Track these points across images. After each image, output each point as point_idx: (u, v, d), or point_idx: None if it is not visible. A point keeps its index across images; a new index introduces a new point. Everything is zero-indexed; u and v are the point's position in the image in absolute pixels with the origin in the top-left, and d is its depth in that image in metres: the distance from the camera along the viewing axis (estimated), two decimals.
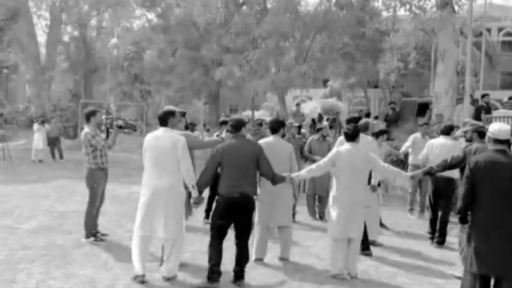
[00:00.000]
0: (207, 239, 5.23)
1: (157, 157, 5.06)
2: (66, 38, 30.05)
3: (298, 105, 20.27)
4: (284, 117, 14.76)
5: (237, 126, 5.25)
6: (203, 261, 5.29)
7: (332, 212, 5.52)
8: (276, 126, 6.14)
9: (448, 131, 7.52)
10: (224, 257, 5.24)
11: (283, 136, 6.54)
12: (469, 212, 4.39)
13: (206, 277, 4.95)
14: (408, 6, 14.85)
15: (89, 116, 6.64)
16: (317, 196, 8.90)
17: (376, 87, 31.47)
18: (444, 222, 7.16)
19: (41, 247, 6.24)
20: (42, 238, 6.69)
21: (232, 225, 5.16)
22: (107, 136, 15.57)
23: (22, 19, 24.18)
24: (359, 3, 17.43)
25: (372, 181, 6.41)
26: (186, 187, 5.14)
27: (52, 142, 17.17)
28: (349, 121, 6.72)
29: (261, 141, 6.20)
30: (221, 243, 5.05)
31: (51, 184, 11.71)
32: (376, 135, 7.35)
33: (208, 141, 6.27)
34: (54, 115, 23.41)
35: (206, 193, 6.36)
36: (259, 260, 5.95)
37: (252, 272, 5.49)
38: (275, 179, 5.37)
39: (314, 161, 7.35)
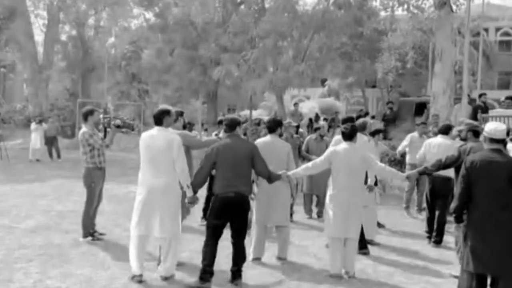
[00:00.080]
0: (204, 238, 5.22)
1: (152, 157, 5.06)
2: (63, 37, 29.98)
3: (296, 104, 20.27)
4: (282, 117, 14.76)
5: (232, 126, 5.25)
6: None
7: (329, 211, 5.53)
8: (274, 126, 6.15)
9: (446, 130, 7.53)
10: (221, 257, 5.25)
11: (280, 135, 6.54)
12: (464, 212, 4.40)
13: (199, 277, 4.95)
14: (406, 6, 14.87)
15: (86, 116, 6.64)
16: (315, 196, 8.92)
17: (374, 86, 31.49)
18: (442, 222, 7.18)
19: (38, 246, 6.24)
20: (40, 237, 6.69)
21: (228, 224, 5.15)
22: (105, 136, 15.56)
23: (20, 18, 24.11)
24: (357, 2, 17.42)
25: (369, 181, 6.42)
26: (182, 187, 5.14)
27: (50, 142, 17.14)
28: (345, 120, 6.73)
29: (259, 141, 6.21)
30: (216, 243, 5.05)
31: (49, 183, 11.69)
32: (372, 134, 7.36)
33: (206, 140, 6.26)
34: (52, 114, 23.36)
35: (204, 192, 6.37)
36: (257, 259, 5.96)
37: (250, 271, 5.50)
38: (271, 178, 5.37)
39: (311, 160, 7.36)
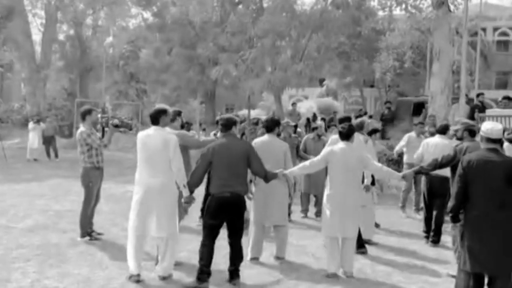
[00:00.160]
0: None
1: (149, 156, 5.06)
2: (61, 37, 29.95)
3: (294, 104, 20.28)
4: (280, 116, 14.76)
5: (228, 125, 5.24)
6: None
7: (326, 211, 5.53)
8: (271, 125, 6.15)
9: (443, 130, 7.54)
10: (219, 257, 5.24)
11: (278, 135, 6.53)
12: (461, 211, 4.41)
13: (196, 277, 4.94)
14: (404, 6, 14.88)
15: (84, 115, 6.63)
16: (313, 196, 8.92)
17: (372, 86, 31.52)
18: (440, 221, 7.18)
19: (36, 246, 6.23)
20: (37, 237, 6.68)
21: (225, 224, 5.15)
22: (103, 135, 15.55)
23: (17, 18, 24.07)
24: (355, 2, 17.42)
25: (365, 180, 6.41)
26: (179, 187, 5.13)
27: (47, 141, 17.12)
28: (342, 120, 6.73)
29: (256, 140, 6.22)
30: (213, 243, 5.04)
31: (46, 183, 11.68)
32: (369, 133, 7.38)
33: (204, 140, 6.25)
34: (49, 114, 23.36)
35: (202, 192, 6.36)
36: (254, 259, 5.96)
37: (248, 271, 5.50)
38: (268, 177, 5.37)
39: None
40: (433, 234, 7.19)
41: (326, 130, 9.35)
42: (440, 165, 5.47)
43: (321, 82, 33.29)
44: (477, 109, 13.29)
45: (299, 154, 8.43)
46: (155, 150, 5.03)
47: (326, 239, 5.57)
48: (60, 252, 6.03)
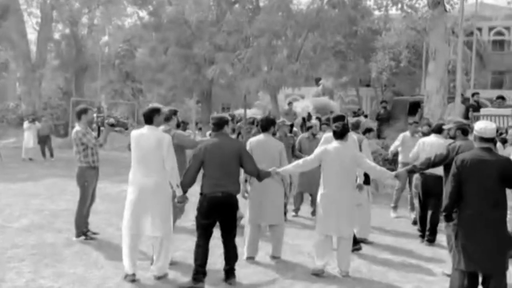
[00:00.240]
0: None
1: (143, 156, 5.05)
2: (57, 36, 29.87)
3: (290, 103, 20.26)
4: (276, 116, 14.75)
5: (220, 124, 5.22)
6: None
7: (320, 209, 5.54)
8: (267, 124, 6.15)
9: (439, 129, 7.55)
10: (215, 256, 5.24)
11: (274, 134, 6.53)
12: (455, 210, 4.43)
13: (191, 277, 4.94)
14: (400, 5, 14.91)
15: (80, 114, 6.61)
16: (307, 195, 8.91)
17: (368, 85, 31.59)
18: (435, 221, 7.19)
19: (31, 245, 6.21)
20: (33, 236, 6.66)
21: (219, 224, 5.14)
22: (99, 135, 15.48)
23: (12, 17, 23.96)
24: (351, 2, 17.42)
25: (358, 180, 6.39)
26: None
27: (43, 141, 17.05)
28: (336, 119, 6.73)
29: (252, 139, 6.22)
30: (207, 243, 5.04)
31: (42, 182, 11.64)
32: (363, 133, 7.39)
33: (199, 140, 6.25)
34: (45, 113, 23.28)
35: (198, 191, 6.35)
36: (250, 258, 5.96)
37: (243, 270, 5.50)
38: (261, 175, 5.36)
39: None
40: (429, 233, 7.20)
41: (320, 129, 9.32)
42: (433, 164, 5.48)
43: (317, 81, 33.32)
44: (472, 108, 13.33)
45: (295, 153, 8.42)
46: (148, 150, 5.02)
47: (320, 236, 5.56)
48: (55, 251, 6.01)
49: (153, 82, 23.11)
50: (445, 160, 5.37)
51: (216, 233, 5.15)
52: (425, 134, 8.47)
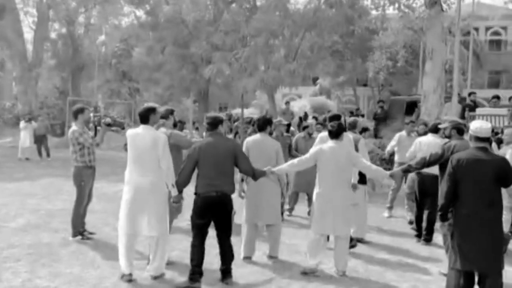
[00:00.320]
0: None
1: (138, 155, 5.03)
2: (53, 35, 29.79)
3: (287, 103, 20.27)
4: (273, 115, 14.76)
5: (214, 124, 5.20)
6: None
7: (316, 208, 5.53)
8: (263, 124, 6.14)
9: (436, 129, 7.55)
10: (211, 256, 5.23)
11: (270, 133, 6.52)
12: (450, 210, 4.43)
13: (188, 277, 4.93)
14: (397, 5, 14.92)
15: (76, 114, 6.59)
16: (300, 195, 8.90)
17: (365, 85, 31.62)
18: (432, 220, 7.20)
19: (27, 245, 6.19)
20: (29, 236, 6.64)
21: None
22: (95, 134, 15.44)
23: (9, 16, 23.89)
24: (348, 1, 17.43)
25: (352, 179, 6.37)
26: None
27: (39, 140, 17.02)
28: (332, 118, 6.72)
29: (248, 139, 6.21)
30: (203, 243, 5.02)
31: (38, 182, 11.61)
32: (359, 132, 7.40)
33: (196, 141, 6.23)
34: (41, 112, 23.22)
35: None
36: (247, 258, 5.95)
37: (240, 270, 5.49)
38: (256, 175, 5.35)
39: None
40: (426, 233, 7.21)
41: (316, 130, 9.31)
42: (428, 163, 5.48)
43: (314, 81, 33.36)
44: (468, 108, 13.36)
45: (292, 153, 8.41)
46: (144, 149, 5.01)
47: (314, 235, 5.55)
48: (51, 251, 5.99)
49: (150, 82, 23.08)
50: (440, 160, 5.37)
51: (212, 233, 5.14)
52: (421, 134, 8.46)
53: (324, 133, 6.36)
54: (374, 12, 18.48)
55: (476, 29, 32.37)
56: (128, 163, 5.13)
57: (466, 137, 4.92)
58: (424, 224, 7.29)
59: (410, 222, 8.25)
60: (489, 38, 36.13)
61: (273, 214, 5.99)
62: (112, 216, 7.66)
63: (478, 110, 12.92)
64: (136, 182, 5.01)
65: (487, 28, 35.61)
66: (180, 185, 5.08)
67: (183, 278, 5.06)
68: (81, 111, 6.60)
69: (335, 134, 5.57)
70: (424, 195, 7.24)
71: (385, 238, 7.49)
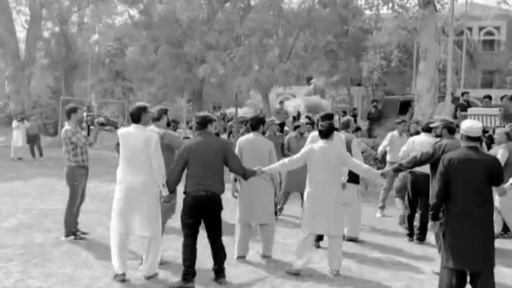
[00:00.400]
0: None
1: (130, 155, 5.01)
2: (46, 34, 29.65)
3: (281, 102, 20.27)
4: (266, 114, 14.75)
5: (203, 123, 5.17)
6: None
7: (306, 208, 5.53)
8: (256, 123, 6.13)
9: (429, 128, 7.56)
10: (205, 256, 5.21)
11: (263, 133, 6.51)
12: (442, 209, 4.45)
13: (181, 278, 4.91)
14: (390, 5, 14.96)
15: (69, 113, 6.56)
16: (296, 194, 8.89)
17: (359, 85, 31.70)
18: (425, 219, 7.20)
19: (20, 245, 6.15)
20: (21, 236, 6.60)
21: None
22: (88, 134, 15.37)
23: (1, 14, 23.77)
24: (342, 1, 17.46)
25: (342, 178, 6.36)
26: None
27: (32, 140, 16.92)
28: (324, 117, 6.72)
29: (241, 138, 6.21)
30: (195, 243, 5.00)
31: (31, 182, 11.55)
32: (352, 132, 7.41)
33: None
34: (34, 112, 23.11)
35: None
36: (241, 257, 5.94)
37: (234, 269, 5.48)
38: (246, 174, 5.34)
39: None
40: (419, 232, 7.22)
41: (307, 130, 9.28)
42: (419, 162, 5.50)
43: (308, 80, 33.39)
44: (460, 107, 13.41)
45: (284, 153, 8.39)
46: (136, 149, 4.98)
47: (303, 235, 5.54)
48: (44, 251, 5.96)
49: (143, 81, 23.04)
50: (431, 159, 5.39)
51: (205, 232, 5.12)
52: (412, 133, 8.46)
53: (316, 133, 6.36)
54: (368, 12, 18.54)
55: (470, 29, 32.52)
56: (120, 162, 5.11)
57: (458, 136, 4.93)
58: (417, 224, 7.30)
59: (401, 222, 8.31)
60: (482, 38, 36.31)
61: (266, 214, 5.98)
62: (105, 216, 7.62)
63: (470, 110, 12.98)
64: (128, 182, 4.99)
65: (481, 28, 35.79)
66: (171, 185, 5.06)
67: (176, 278, 5.04)
68: (74, 110, 6.57)
69: (325, 134, 5.57)
70: (417, 194, 7.25)
71: (379, 237, 7.50)
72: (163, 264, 5.47)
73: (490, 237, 4.35)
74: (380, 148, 9.61)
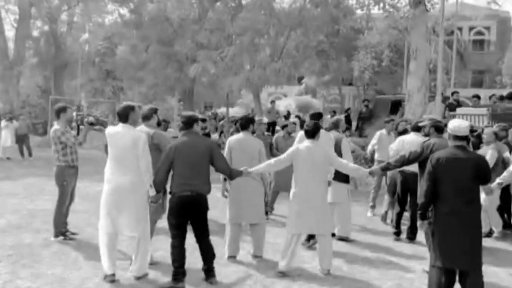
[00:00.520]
0: None
1: (118, 154, 4.97)
2: (35, 33, 29.40)
3: (273, 102, 20.29)
4: (258, 114, 14.74)
5: (189, 123, 5.14)
6: None
7: (292, 208, 5.52)
8: (246, 123, 6.12)
9: (418, 128, 7.58)
10: (195, 256, 5.18)
11: (253, 132, 6.49)
12: (430, 208, 4.46)
13: (171, 278, 4.89)
14: (381, 5, 15.02)
15: (59, 113, 6.50)
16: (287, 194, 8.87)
17: (350, 84, 31.80)
18: (415, 218, 7.22)
19: (8, 246, 6.10)
20: (10, 237, 6.54)
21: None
22: (78, 133, 15.26)
23: None
24: (333, 1, 17.51)
25: (328, 176, 6.34)
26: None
27: (21, 139, 16.79)
28: (313, 116, 6.71)
29: (231, 138, 6.19)
30: (183, 243, 4.97)
31: (20, 182, 11.45)
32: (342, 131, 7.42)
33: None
34: (23, 111, 22.93)
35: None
36: (232, 257, 5.92)
37: (225, 269, 5.47)
38: (232, 174, 5.31)
39: None
40: (409, 231, 7.24)
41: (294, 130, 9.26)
42: (407, 161, 5.52)
43: (300, 80, 33.43)
44: (449, 107, 13.48)
45: (273, 152, 8.36)
46: (124, 148, 4.94)
47: (287, 235, 5.52)
48: (33, 252, 5.90)
49: (134, 80, 22.93)
50: (419, 157, 5.41)
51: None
52: (400, 132, 8.47)
53: (303, 132, 6.35)
54: (359, 12, 18.60)
55: (460, 29, 32.73)
56: (108, 161, 5.06)
57: (446, 135, 4.95)
58: (408, 223, 7.32)
59: (383, 219, 8.38)
60: (473, 38, 36.59)
61: (256, 214, 5.96)
62: (94, 216, 7.54)
63: (458, 110, 13.05)
64: (116, 181, 4.95)
65: (471, 28, 36.07)
66: (158, 185, 5.02)
67: (166, 278, 5.01)
68: (63, 110, 6.52)
69: (311, 133, 5.56)
70: (406, 193, 7.27)
71: (369, 236, 7.51)
72: (153, 264, 5.44)
73: (478, 235, 4.38)
74: (369, 148, 9.64)
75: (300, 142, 6.08)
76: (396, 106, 16.74)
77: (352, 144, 9.09)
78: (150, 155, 5.01)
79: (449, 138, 4.54)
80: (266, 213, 7.43)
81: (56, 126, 6.47)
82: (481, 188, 4.58)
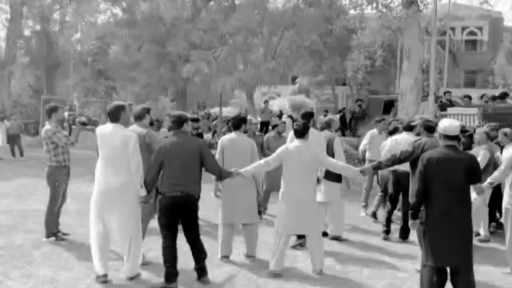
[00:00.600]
0: None
1: (109, 154, 4.94)
2: (27, 32, 29.21)
3: (266, 102, 20.27)
4: (251, 114, 14.73)
5: (178, 123, 5.11)
6: None
7: (281, 208, 5.51)
8: (238, 123, 6.11)
9: (410, 127, 7.59)
10: (188, 256, 5.16)
11: (245, 132, 6.49)
12: (422, 208, 4.47)
13: (164, 278, 4.87)
14: (374, 5, 15.03)
15: (50, 112, 6.47)
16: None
17: (344, 84, 31.81)
18: (407, 217, 7.22)
19: None
20: (1, 238, 6.50)
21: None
22: (70, 133, 15.20)
23: None
24: (326, 0, 17.54)
25: (319, 174, 6.33)
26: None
27: (12, 140, 16.70)
28: (305, 115, 6.71)
29: (223, 138, 6.18)
30: (174, 243, 4.95)
31: (11, 182, 11.39)
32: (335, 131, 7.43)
33: None
34: (14, 111, 22.81)
35: None
36: (225, 257, 5.91)
37: (218, 269, 5.46)
38: (222, 175, 5.30)
39: None
40: (402, 231, 7.25)
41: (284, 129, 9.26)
42: (398, 160, 5.53)
43: (293, 80, 33.43)
44: (441, 107, 13.52)
45: (264, 152, 8.34)
46: (114, 148, 4.91)
47: (277, 236, 5.51)
48: (24, 253, 5.86)
49: (126, 80, 22.87)
50: (410, 157, 5.42)
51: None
52: (391, 131, 8.48)
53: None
54: (352, 12, 18.63)
55: (453, 29, 32.86)
56: (98, 161, 5.03)
57: (436, 134, 4.97)
58: (398, 222, 7.34)
59: (373, 215, 8.50)
60: (465, 38, 36.74)
61: (249, 214, 5.95)
62: (86, 216, 7.43)
63: (449, 110, 13.08)
64: (106, 182, 4.92)
65: (463, 28, 36.21)
66: (148, 185, 5.00)
67: (159, 279, 4.99)
68: (55, 109, 6.48)
69: (301, 133, 5.56)
70: (398, 193, 7.29)
71: (362, 236, 7.52)
72: (145, 264, 5.41)
73: (469, 234, 4.40)
74: (361, 147, 9.67)
75: (292, 141, 6.08)
76: (389, 106, 16.77)
77: (345, 144, 9.09)
78: (140, 155, 4.98)
79: (440, 138, 4.56)
80: (259, 213, 7.42)
81: (47, 126, 6.43)
82: (472, 187, 4.59)
